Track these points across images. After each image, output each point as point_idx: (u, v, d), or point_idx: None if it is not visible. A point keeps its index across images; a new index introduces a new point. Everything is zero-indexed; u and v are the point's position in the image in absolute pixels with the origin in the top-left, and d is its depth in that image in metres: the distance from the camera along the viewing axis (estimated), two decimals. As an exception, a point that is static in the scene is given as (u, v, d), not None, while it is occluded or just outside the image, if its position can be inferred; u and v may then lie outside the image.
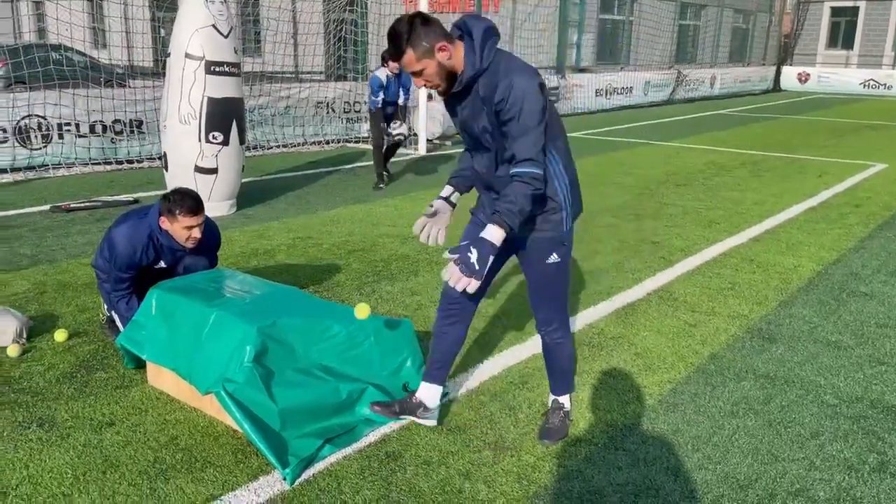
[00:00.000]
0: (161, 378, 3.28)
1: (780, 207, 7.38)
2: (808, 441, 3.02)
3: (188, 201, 3.36)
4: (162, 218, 3.40)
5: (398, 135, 8.05)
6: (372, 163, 8.52)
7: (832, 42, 29.64)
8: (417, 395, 2.99)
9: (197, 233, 3.42)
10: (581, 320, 4.29)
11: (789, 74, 26.78)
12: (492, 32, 2.46)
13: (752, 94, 24.67)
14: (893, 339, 4.10)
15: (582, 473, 2.75)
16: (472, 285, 2.38)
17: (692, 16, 25.13)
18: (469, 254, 2.37)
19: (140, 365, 3.45)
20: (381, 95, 7.86)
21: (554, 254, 2.68)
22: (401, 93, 8.02)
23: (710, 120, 16.31)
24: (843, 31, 29.31)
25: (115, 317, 3.64)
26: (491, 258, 2.40)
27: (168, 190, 3.68)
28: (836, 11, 29.10)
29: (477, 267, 2.37)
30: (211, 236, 3.64)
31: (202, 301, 3.11)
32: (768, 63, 28.05)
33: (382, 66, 7.97)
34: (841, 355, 3.86)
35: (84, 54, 12.60)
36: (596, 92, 17.59)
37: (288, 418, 2.80)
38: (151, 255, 3.49)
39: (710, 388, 3.46)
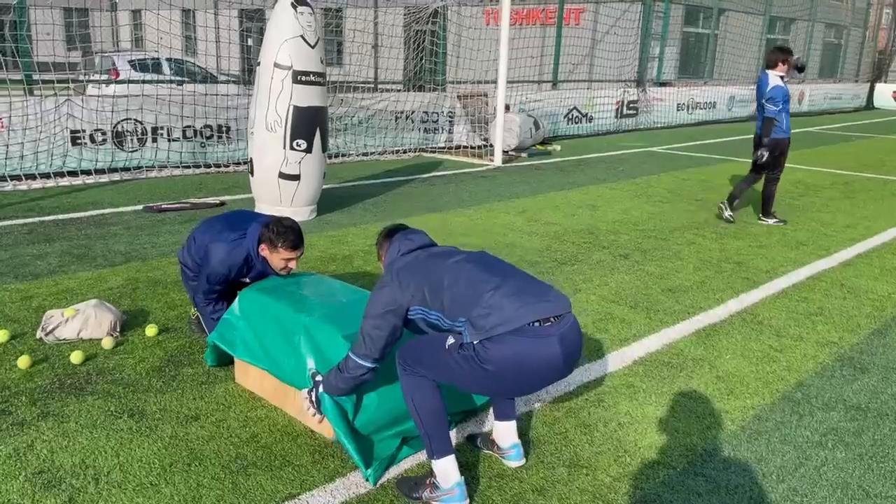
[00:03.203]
0: (247, 377, 3.38)
1: (874, 231, 7.04)
2: (903, 479, 2.86)
3: (291, 236, 3.37)
4: (262, 245, 3.44)
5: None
6: (447, 173, 8.50)
7: (932, 58, 28.09)
8: (492, 435, 2.93)
9: (294, 264, 3.46)
10: (659, 340, 4.19)
11: (884, 92, 25.57)
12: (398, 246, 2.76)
13: (843, 112, 23.66)
14: None
15: (660, 497, 2.69)
16: (318, 417, 2.83)
17: (781, 30, 24.34)
18: (312, 392, 2.79)
19: (222, 363, 3.57)
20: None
21: (451, 338, 2.47)
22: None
23: (798, 137, 15.72)
24: (944, 48, 27.73)
25: (205, 316, 3.77)
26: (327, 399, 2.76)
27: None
28: (937, 26, 27.59)
29: (316, 405, 2.80)
30: None
31: (292, 305, 3.18)
32: (861, 80, 26.85)
33: (774, 67, 6.84)
34: (940, 390, 3.65)
35: (180, 61, 13.25)
36: (677, 106, 17.24)
37: (371, 422, 2.84)
38: (243, 273, 3.59)
39: (797, 417, 3.32)
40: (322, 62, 6.64)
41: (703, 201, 8.29)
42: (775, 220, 7.29)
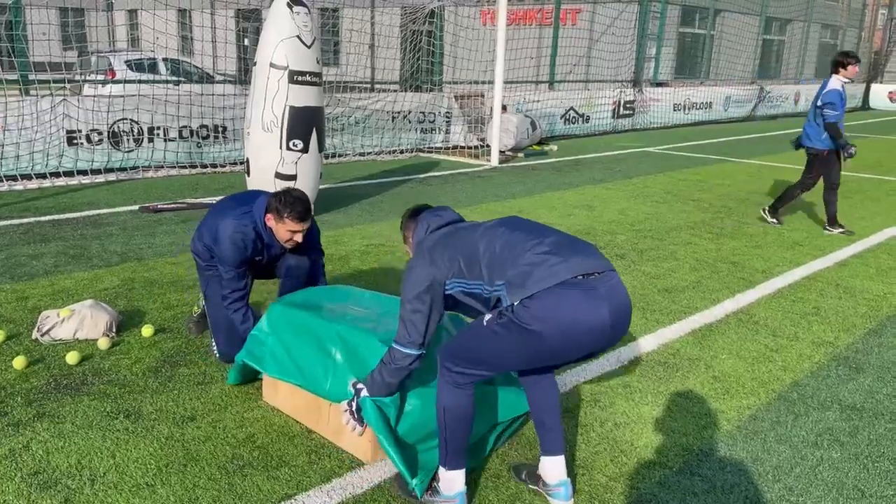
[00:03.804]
0: (276, 395, 3.24)
1: (870, 231, 7.06)
2: (898, 478, 2.87)
3: (298, 206, 3.27)
4: (268, 215, 3.33)
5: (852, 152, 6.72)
6: (444, 173, 8.48)
7: (927, 59, 28.18)
8: (538, 470, 2.69)
9: (299, 237, 3.35)
10: (655, 340, 4.20)
11: (879, 93, 25.62)
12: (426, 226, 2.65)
13: (838, 112, 23.70)
14: None
15: (656, 497, 2.69)
16: (358, 429, 2.72)
17: (777, 30, 24.40)
18: (353, 402, 2.71)
19: (246, 381, 3.42)
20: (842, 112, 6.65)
21: (489, 314, 2.38)
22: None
23: (793, 138, 15.74)
24: (939, 48, 27.84)
25: (233, 319, 3.49)
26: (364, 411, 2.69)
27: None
28: (932, 27, 27.68)
29: (356, 416, 2.71)
30: (309, 233, 3.50)
31: (324, 316, 3.06)
32: (857, 80, 26.90)
33: (837, 72, 6.74)
34: (935, 389, 3.66)
35: (177, 61, 13.24)
36: (674, 106, 17.26)
37: (415, 429, 2.72)
38: (258, 249, 3.43)
39: (793, 417, 3.33)
40: (318, 62, 6.63)
41: (699, 201, 8.30)
42: (775, 221, 7.27)
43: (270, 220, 3.34)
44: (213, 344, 3.68)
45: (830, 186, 6.97)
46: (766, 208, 7.35)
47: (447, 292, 2.45)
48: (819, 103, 6.78)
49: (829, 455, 3.02)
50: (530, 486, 2.72)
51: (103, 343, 3.80)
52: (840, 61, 6.75)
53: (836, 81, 6.74)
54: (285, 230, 3.31)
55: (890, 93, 25.34)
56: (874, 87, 25.91)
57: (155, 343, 3.91)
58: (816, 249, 6.32)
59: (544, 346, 2.25)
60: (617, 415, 3.30)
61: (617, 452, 2.99)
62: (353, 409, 2.70)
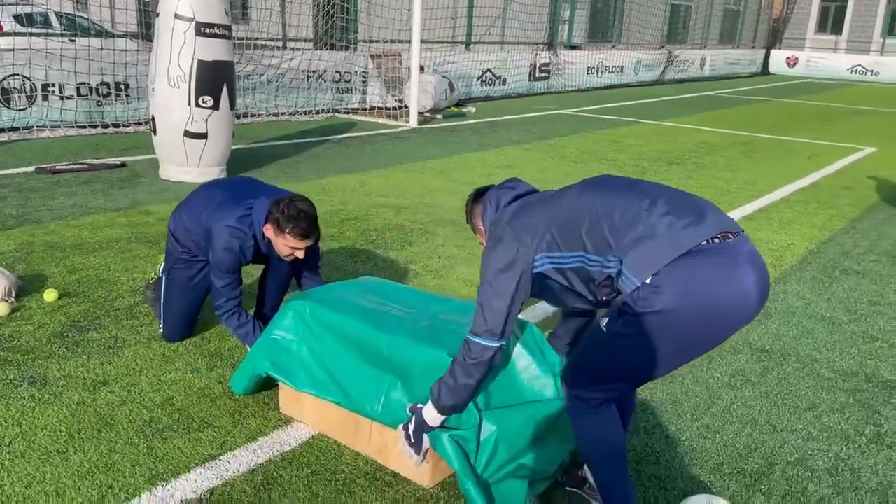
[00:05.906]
0: (299, 407, 2.76)
1: (771, 187, 7.40)
2: (805, 413, 3.04)
3: (302, 223, 2.81)
4: (267, 225, 2.90)
5: None
6: (362, 134, 8.31)
7: (821, 27, 29.72)
8: (583, 470, 2.40)
9: (301, 254, 2.90)
10: (577, 292, 4.27)
11: (778, 58, 26.81)
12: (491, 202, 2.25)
13: (740, 77, 24.69)
14: (885, 316, 4.13)
15: (583, 440, 2.75)
16: (415, 458, 2.31)
17: (684, -4, 25.04)
18: (409, 424, 2.30)
19: (257, 389, 2.90)
20: None
21: (605, 317, 2.01)
22: None
23: (700, 101, 16.31)
24: (832, 17, 29.39)
25: (234, 333, 3.11)
26: (425, 437, 2.27)
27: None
28: (826, -4, 29.14)
29: (412, 440, 2.29)
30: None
31: (368, 320, 2.57)
32: (758, 46, 28.05)
33: None
34: (835, 331, 3.89)
35: (71, 15, 12.40)
36: (588, 69, 17.52)
37: (495, 459, 2.32)
38: (257, 254, 3.07)
39: (708, 360, 3.46)
40: (227, 14, 6.33)
41: (614, 161, 8.48)
42: None
43: (269, 231, 2.91)
44: (160, 322, 3.38)
45: None
46: None
47: (536, 270, 2.02)
48: None
49: (742, 394, 3.16)
50: (570, 488, 2.40)
51: (2, 309, 3.54)
52: None
53: None
54: (285, 245, 2.88)
55: (788, 58, 26.56)
56: (773, 52, 27.09)
57: (60, 308, 3.68)
58: (724, 205, 6.57)
59: (685, 331, 1.86)
60: (542, 364, 3.34)
61: (544, 400, 3.03)
62: (410, 432, 2.28)
